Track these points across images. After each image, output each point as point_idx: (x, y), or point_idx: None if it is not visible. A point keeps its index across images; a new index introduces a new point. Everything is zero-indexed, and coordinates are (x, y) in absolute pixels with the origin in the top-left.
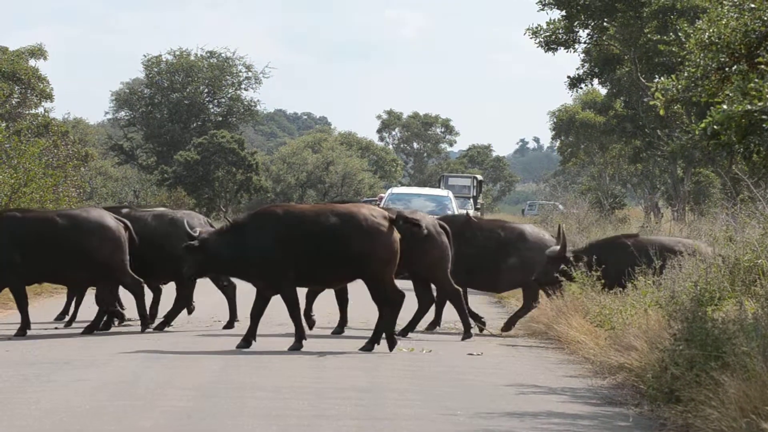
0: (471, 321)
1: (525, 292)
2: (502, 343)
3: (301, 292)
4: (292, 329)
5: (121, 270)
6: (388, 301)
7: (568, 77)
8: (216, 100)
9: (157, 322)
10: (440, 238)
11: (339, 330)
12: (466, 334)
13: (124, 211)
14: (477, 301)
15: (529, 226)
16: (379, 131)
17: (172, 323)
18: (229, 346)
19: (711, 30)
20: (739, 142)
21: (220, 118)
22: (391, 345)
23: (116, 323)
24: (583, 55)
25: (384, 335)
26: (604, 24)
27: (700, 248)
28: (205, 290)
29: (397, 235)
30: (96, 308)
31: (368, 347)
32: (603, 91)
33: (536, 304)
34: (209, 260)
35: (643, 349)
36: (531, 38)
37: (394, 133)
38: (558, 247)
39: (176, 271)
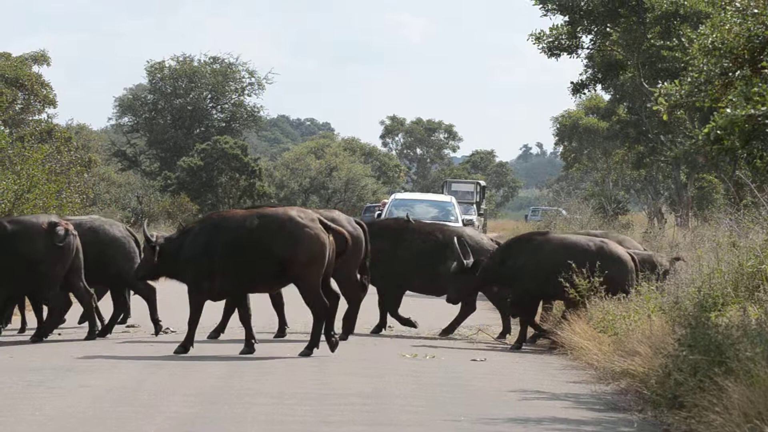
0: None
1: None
2: (506, 349)
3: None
4: (294, 335)
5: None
6: (318, 304)
7: (571, 83)
8: (219, 106)
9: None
10: (354, 236)
11: (280, 334)
12: (342, 336)
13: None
14: (479, 307)
15: (469, 230)
16: (382, 137)
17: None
18: (233, 352)
19: (714, 35)
20: (743, 147)
21: (224, 124)
22: (332, 346)
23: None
24: (586, 60)
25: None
26: (607, 29)
27: (611, 246)
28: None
29: (323, 237)
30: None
31: (307, 352)
32: (606, 96)
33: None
34: (159, 264)
35: (647, 354)
36: (534, 44)
37: (397, 138)
38: (467, 261)
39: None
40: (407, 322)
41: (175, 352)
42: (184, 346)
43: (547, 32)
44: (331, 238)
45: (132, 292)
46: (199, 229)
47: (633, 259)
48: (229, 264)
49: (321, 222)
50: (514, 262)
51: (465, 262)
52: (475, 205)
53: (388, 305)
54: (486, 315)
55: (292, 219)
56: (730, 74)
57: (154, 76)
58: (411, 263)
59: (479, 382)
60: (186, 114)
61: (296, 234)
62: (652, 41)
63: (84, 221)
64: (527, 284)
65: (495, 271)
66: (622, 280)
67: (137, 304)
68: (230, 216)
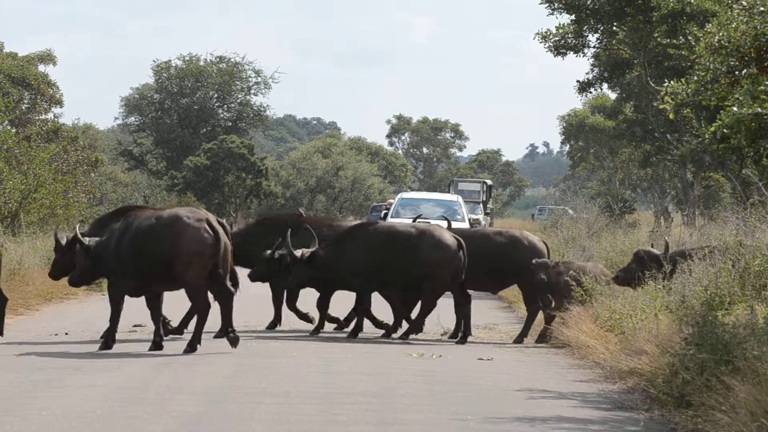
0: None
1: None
2: (512, 347)
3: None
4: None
5: None
6: (200, 304)
7: (578, 82)
8: (225, 106)
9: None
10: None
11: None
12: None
13: None
14: (487, 306)
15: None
16: (388, 136)
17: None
18: (240, 352)
19: (720, 34)
20: (749, 146)
21: (230, 124)
22: (233, 342)
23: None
24: (593, 59)
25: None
26: (614, 28)
27: (436, 231)
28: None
29: (206, 237)
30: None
31: (189, 350)
32: (612, 95)
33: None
34: (92, 266)
35: (654, 353)
36: (540, 43)
37: (403, 138)
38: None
39: None
40: (304, 317)
41: (99, 349)
42: (106, 343)
43: (554, 31)
44: (224, 238)
45: None
46: (116, 228)
47: (459, 244)
48: (132, 263)
49: (209, 223)
50: (349, 252)
51: (295, 253)
52: (481, 205)
53: (288, 300)
54: (494, 314)
55: (178, 219)
56: (737, 73)
57: (160, 76)
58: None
59: (486, 381)
60: (192, 113)
61: (178, 233)
62: (658, 40)
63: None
64: (360, 274)
65: (329, 262)
66: (447, 264)
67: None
68: (136, 215)
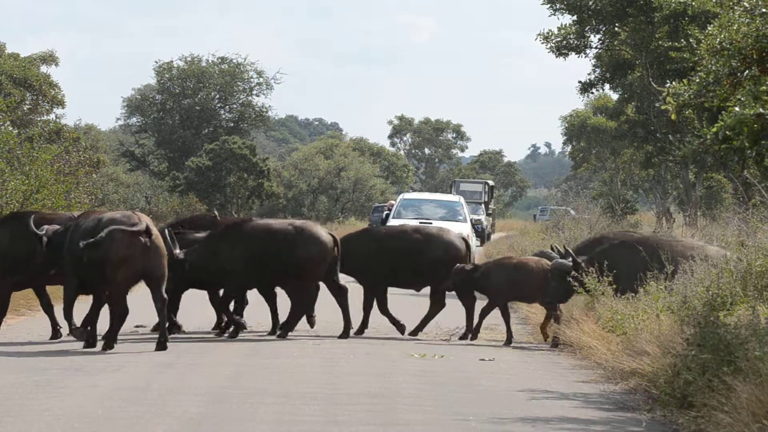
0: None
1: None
2: (513, 348)
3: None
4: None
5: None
6: (119, 308)
7: (580, 82)
8: (227, 106)
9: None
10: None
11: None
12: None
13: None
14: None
15: (277, 222)
16: (390, 137)
17: None
18: (241, 352)
19: (722, 35)
20: (751, 147)
21: (232, 124)
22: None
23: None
24: (595, 60)
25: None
26: (616, 29)
27: (311, 227)
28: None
29: (133, 240)
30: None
31: (108, 346)
32: (614, 96)
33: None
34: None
35: (656, 354)
36: (542, 43)
37: (405, 138)
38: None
39: None
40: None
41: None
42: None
43: (556, 32)
44: (158, 242)
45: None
46: (70, 227)
47: (334, 240)
48: (76, 263)
49: (141, 227)
50: (224, 251)
51: (175, 252)
52: (483, 205)
53: (213, 298)
54: (495, 314)
55: (112, 221)
56: (739, 74)
57: (162, 77)
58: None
59: (488, 382)
60: (194, 114)
61: (110, 235)
62: (660, 41)
63: None
64: (238, 272)
65: (207, 262)
66: (322, 260)
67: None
68: (85, 217)
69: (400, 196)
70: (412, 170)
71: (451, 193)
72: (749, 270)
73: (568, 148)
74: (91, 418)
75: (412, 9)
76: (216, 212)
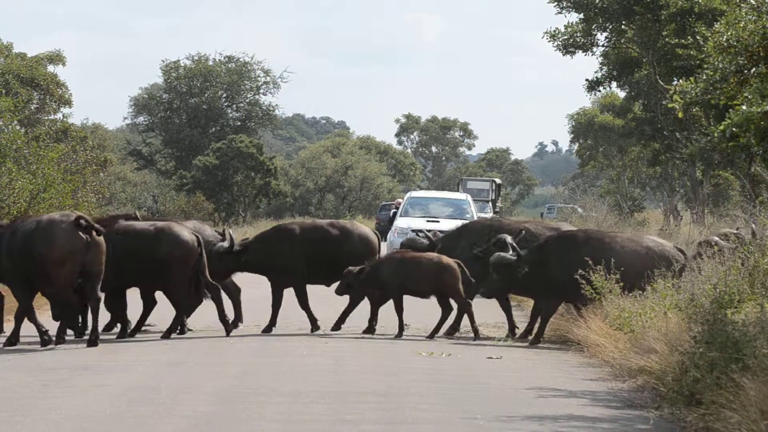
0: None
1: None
2: (521, 346)
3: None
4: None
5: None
6: (65, 303)
7: (587, 80)
8: (234, 105)
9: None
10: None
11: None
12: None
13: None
14: (496, 304)
15: (191, 223)
16: (397, 135)
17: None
18: (249, 352)
19: (729, 33)
20: (758, 144)
21: (239, 123)
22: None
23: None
24: (602, 58)
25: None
26: (622, 27)
27: (174, 228)
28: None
29: (74, 239)
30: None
31: (45, 342)
32: (621, 94)
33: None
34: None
35: (663, 351)
36: (549, 41)
37: (412, 137)
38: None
39: None
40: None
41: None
42: (9, 340)
43: (563, 30)
44: (98, 239)
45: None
46: (10, 230)
47: (198, 240)
48: (19, 264)
49: (79, 224)
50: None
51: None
52: (490, 203)
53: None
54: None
55: (50, 221)
56: (746, 71)
57: (169, 76)
58: (128, 261)
59: (495, 380)
60: (201, 113)
61: (50, 234)
62: (667, 39)
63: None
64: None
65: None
66: (186, 260)
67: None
68: (21, 221)
69: (408, 195)
70: (419, 168)
71: (458, 191)
72: (757, 267)
73: (576, 146)
74: (100, 417)
75: (418, 7)
76: (137, 213)
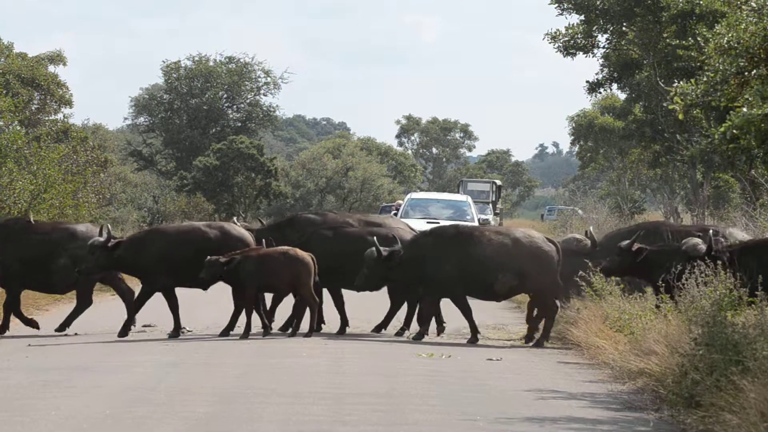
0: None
1: (78, 291)
2: (520, 348)
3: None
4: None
5: None
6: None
7: (587, 82)
8: (235, 106)
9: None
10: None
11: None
12: None
13: None
14: (496, 306)
15: (83, 226)
16: (398, 136)
17: None
18: (249, 352)
19: (730, 34)
20: (759, 146)
21: (239, 124)
22: None
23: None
24: (602, 59)
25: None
26: (623, 29)
27: (79, 228)
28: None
29: None
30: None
31: None
32: (622, 95)
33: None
34: None
35: (663, 353)
36: (550, 43)
37: (413, 138)
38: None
39: None
40: (29, 323)
41: None
42: None
43: (563, 31)
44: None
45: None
46: None
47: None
48: None
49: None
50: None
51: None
52: (491, 205)
53: (12, 304)
54: (502, 314)
55: None
56: (746, 73)
57: (169, 76)
58: (30, 263)
59: (495, 382)
60: (202, 114)
61: None
62: (668, 40)
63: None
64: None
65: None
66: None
67: (154, 304)
68: None
69: (408, 196)
70: (419, 170)
71: (458, 192)
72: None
73: (576, 148)
74: (99, 418)
75: (419, 9)
76: (31, 216)
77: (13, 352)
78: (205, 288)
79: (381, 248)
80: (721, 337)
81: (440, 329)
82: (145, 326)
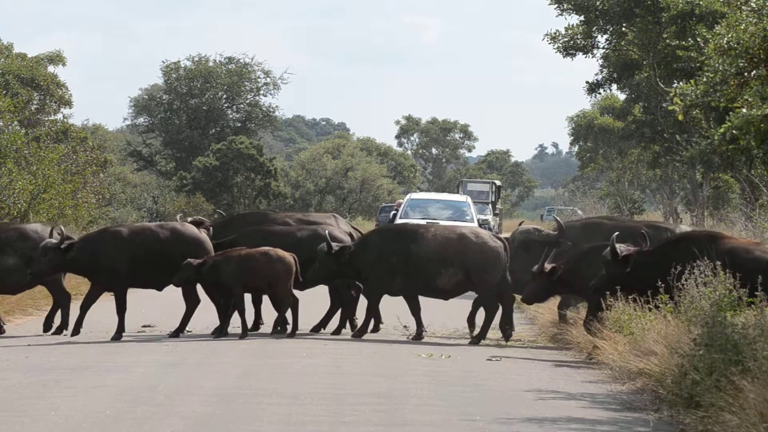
0: None
1: (51, 290)
2: (520, 348)
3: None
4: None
5: None
6: None
7: (587, 82)
8: (234, 106)
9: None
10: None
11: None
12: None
13: None
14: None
15: (34, 226)
16: (397, 137)
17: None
18: (249, 353)
19: (729, 35)
20: (758, 147)
21: (239, 124)
22: None
23: None
24: (602, 60)
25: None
26: (623, 29)
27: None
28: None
29: None
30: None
31: None
32: (621, 96)
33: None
34: None
35: (663, 354)
36: (549, 44)
37: (412, 138)
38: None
39: None
40: None
41: None
42: None
43: (563, 32)
44: None
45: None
46: None
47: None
48: None
49: None
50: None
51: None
52: (490, 205)
53: None
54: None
55: None
56: (746, 74)
57: (169, 77)
58: None
59: (495, 382)
60: (201, 114)
61: None
62: (667, 41)
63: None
64: None
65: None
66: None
67: (154, 304)
68: None
69: (408, 197)
70: (419, 170)
71: (458, 193)
72: None
73: (575, 149)
74: (99, 418)
75: (419, 9)
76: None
77: (13, 352)
78: (160, 289)
79: (332, 243)
80: (720, 337)
81: (376, 328)
82: (144, 326)
